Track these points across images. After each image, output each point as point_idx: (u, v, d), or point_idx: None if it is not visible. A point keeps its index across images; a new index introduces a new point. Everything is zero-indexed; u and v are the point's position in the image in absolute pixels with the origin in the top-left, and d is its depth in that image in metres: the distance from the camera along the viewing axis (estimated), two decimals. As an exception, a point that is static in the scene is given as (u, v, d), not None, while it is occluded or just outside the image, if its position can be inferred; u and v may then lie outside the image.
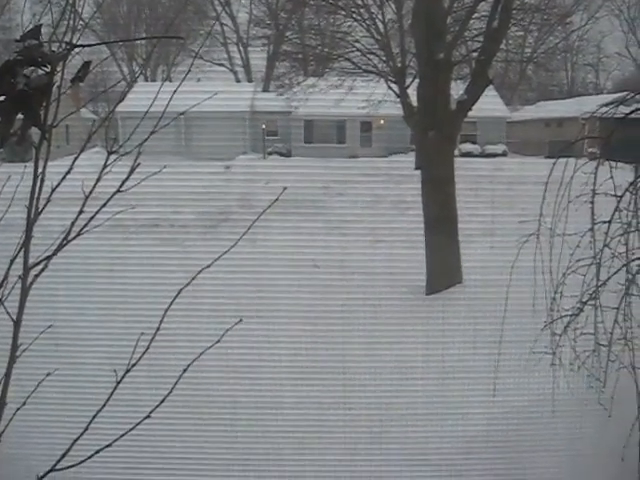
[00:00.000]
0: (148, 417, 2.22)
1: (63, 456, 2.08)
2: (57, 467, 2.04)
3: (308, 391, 7.10)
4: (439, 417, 6.56)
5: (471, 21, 14.18)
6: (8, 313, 2.06)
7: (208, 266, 2.39)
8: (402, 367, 7.30)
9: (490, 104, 17.51)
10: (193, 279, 2.43)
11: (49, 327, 2.79)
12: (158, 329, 2.29)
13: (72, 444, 2.11)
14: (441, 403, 6.70)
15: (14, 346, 2.03)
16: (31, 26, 1.97)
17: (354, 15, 17.54)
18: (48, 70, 1.90)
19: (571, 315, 5.62)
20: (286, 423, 6.70)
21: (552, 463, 5.41)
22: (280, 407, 6.85)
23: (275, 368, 7.26)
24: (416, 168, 13.82)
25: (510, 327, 5.92)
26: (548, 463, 5.46)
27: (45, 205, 2.09)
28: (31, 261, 2.08)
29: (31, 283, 2.07)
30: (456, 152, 14.85)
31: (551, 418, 5.47)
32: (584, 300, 5.57)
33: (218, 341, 2.40)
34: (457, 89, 12.90)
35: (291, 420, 6.74)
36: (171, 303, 2.32)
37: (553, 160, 5.47)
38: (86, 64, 2.00)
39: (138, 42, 22.52)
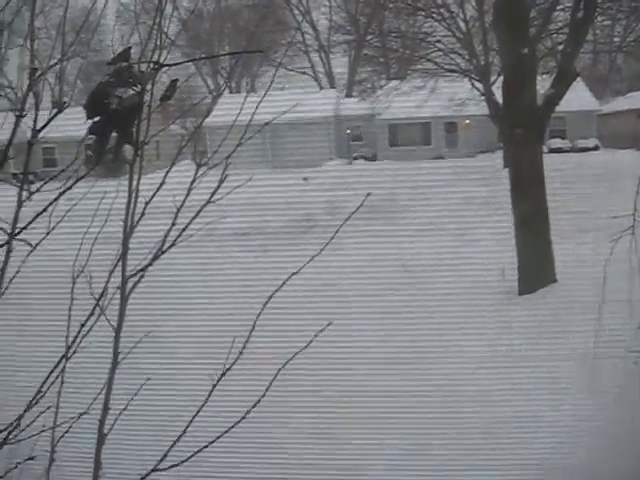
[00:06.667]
0: (243, 419, 2.28)
1: (165, 456, 2.17)
2: (159, 467, 2.14)
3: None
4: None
5: (555, 13, 13.85)
6: (109, 321, 2.17)
7: (296, 272, 2.44)
8: (498, 367, 7.22)
9: (579, 97, 17.03)
10: (283, 284, 2.48)
11: (149, 333, 2.89)
12: (251, 332, 2.36)
13: (173, 445, 2.20)
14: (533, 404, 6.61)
15: (115, 353, 2.14)
16: (119, 47, 2.07)
17: (434, 15, 17.43)
18: (139, 90, 1.99)
19: (670, 312, 5.45)
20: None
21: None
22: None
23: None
24: (505, 167, 13.59)
25: (606, 326, 5.78)
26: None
27: (139, 219, 2.18)
28: (128, 272, 2.18)
29: (129, 293, 2.18)
30: (545, 148, 14.55)
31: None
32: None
33: (308, 345, 2.45)
34: (543, 84, 12.61)
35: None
36: (263, 308, 2.38)
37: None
38: (173, 83, 2.09)
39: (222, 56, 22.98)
